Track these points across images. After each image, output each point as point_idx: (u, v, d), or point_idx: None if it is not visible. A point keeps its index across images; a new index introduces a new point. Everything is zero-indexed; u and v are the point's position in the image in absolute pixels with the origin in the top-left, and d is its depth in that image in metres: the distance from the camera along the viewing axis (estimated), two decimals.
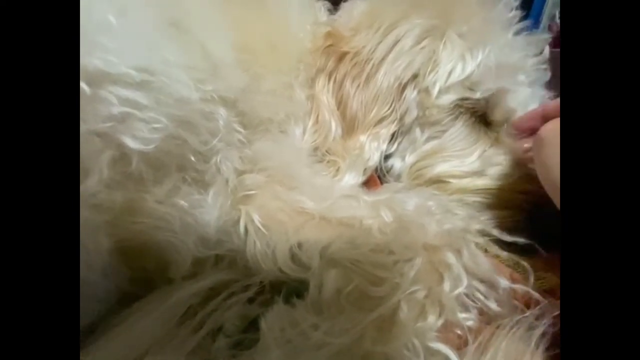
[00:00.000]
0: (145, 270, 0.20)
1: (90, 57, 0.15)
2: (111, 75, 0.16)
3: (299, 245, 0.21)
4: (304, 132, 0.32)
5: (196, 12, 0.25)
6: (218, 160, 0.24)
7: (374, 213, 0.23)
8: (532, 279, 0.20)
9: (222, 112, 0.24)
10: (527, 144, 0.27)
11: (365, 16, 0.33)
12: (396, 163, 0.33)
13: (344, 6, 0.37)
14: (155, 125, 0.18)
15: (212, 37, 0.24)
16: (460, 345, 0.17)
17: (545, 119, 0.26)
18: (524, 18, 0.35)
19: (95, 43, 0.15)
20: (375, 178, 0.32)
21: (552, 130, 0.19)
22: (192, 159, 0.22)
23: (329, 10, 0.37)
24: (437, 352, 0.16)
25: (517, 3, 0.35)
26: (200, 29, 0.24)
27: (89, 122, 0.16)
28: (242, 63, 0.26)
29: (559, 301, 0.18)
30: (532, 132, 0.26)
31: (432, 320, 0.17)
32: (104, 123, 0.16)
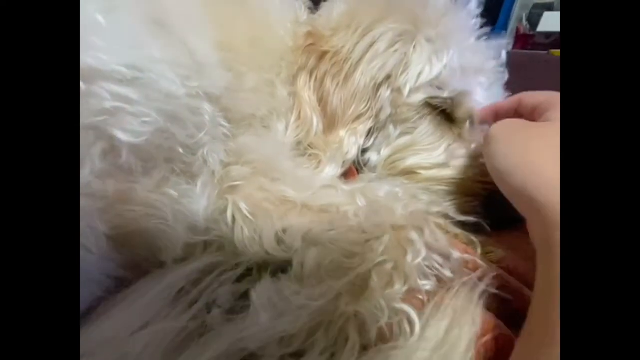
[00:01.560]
0: (138, 256, 0.22)
1: (83, 55, 0.16)
2: (102, 72, 0.17)
3: (284, 230, 0.23)
4: (286, 128, 0.33)
5: (178, 11, 0.25)
6: (205, 152, 0.25)
7: (350, 200, 0.25)
8: (479, 250, 0.24)
9: (207, 107, 0.25)
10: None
11: (344, 17, 0.35)
12: (372, 156, 0.35)
13: (324, 5, 0.39)
14: (145, 119, 0.20)
15: (194, 36, 0.25)
16: (421, 307, 0.20)
17: (497, 115, 0.31)
18: (492, 21, 0.38)
19: (87, 42, 0.16)
20: (354, 170, 0.35)
21: (499, 129, 0.23)
22: (180, 151, 0.23)
23: (310, 9, 0.39)
24: (401, 311, 0.19)
25: (480, 11, 0.38)
26: (183, 27, 0.24)
27: (82, 116, 0.17)
28: (225, 61, 0.27)
29: (497, 265, 0.22)
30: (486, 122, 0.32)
31: (398, 287, 0.20)
32: (96, 117, 0.17)
